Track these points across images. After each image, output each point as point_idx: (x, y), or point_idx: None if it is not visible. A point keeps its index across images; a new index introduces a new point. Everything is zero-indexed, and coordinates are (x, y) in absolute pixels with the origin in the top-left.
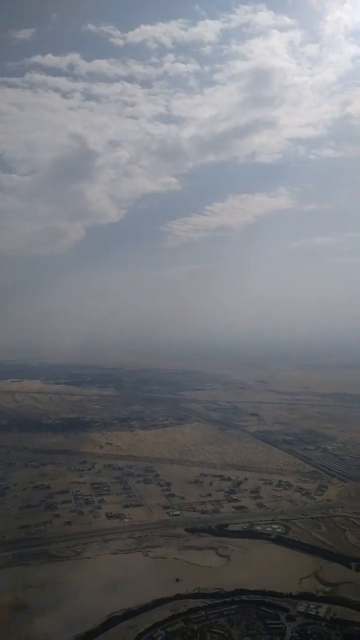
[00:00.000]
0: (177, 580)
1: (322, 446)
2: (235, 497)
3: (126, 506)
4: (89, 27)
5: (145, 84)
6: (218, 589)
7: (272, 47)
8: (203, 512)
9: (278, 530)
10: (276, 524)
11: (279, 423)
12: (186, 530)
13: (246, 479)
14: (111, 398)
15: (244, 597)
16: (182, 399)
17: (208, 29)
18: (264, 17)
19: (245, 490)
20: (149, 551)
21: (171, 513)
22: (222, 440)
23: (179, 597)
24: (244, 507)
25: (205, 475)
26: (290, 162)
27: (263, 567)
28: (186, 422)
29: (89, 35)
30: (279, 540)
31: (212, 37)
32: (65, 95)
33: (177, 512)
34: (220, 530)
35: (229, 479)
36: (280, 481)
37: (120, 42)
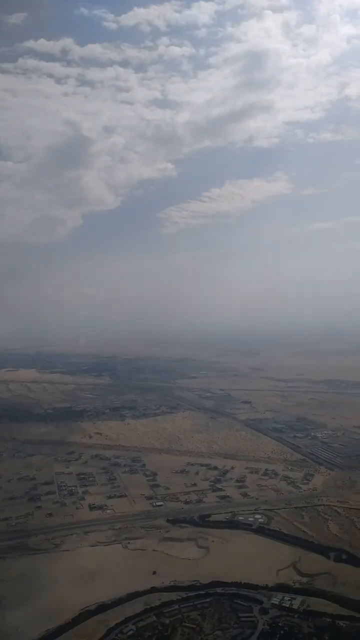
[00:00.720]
0: (154, 573)
1: (312, 434)
2: (220, 487)
3: (110, 497)
4: (82, 11)
5: (140, 68)
6: (194, 581)
7: (267, 29)
8: (187, 502)
9: (260, 520)
10: (259, 513)
11: (271, 410)
12: (168, 521)
13: (233, 467)
14: (105, 387)
15: (219, 590)
16: (176, 387)
17: (202, 11)
18: None
19: (231, 479)
20: (129, 543)
21: (154, 504)
22: (212, 428)
23: (153, 590)
24: (228, 496)
25: (192, 464)
26: (288, 146)
27: (242, 558)
28: (178, 411)
29: (82, 19)
30: (260, 530)
31: (207, 20)
32: (59, 80)
33: (160, 503)
34: (202, 521)
35: (215, 468)
36: (266, 470)
37: (114, 26)
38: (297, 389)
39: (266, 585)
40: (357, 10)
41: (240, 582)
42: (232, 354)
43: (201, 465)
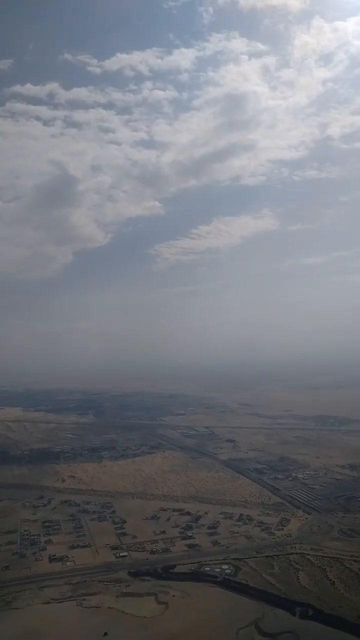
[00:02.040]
0: (105, 634)
1: (293, 474)
2: (191, 534)
3: (72, 547)
4: (66, 57)
5: (125, 110)
6: None
7: (246, 73)
8: (152, 552)
9: (227, 571)
10: (227, 563)
11: (254, 450)
12: (129, 573)
13: (207, 513)
14: (87, 426)
15: None
16: (160, 425)
17: (183, 57)
18: (237, 44)
19: (203, 525)
20: (84, 599)
21: (118, 554)
22: (191, 469)
23: None
24: (197, 545)
25: (164, 509)
26: (275, 183)
27: (201, 615)
28: (158, 451)
29: (66, 64)
30: (225, 583)
31: (188, 65)
32: (46, 123)
33: (125, 553)
34: (166, 573)
35: (188, 514)
36: (241, 515)
37: (98, 70)
38: (284, 426)
39: None
40: (329, 55)
41: None
42: (223, 389)
43: (174, 510)
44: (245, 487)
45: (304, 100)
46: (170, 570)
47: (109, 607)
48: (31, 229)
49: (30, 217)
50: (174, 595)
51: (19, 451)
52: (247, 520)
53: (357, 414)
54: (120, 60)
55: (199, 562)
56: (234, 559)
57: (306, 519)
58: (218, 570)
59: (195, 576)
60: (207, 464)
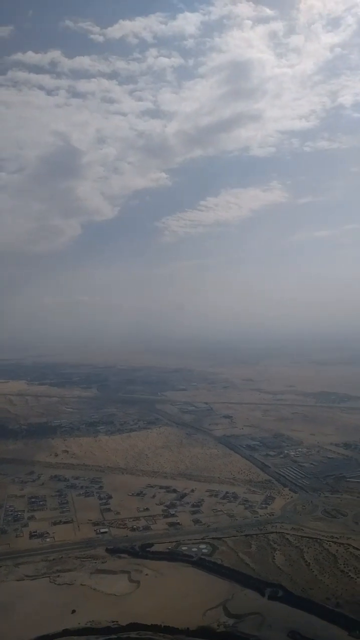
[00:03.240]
0: (73, 611)
1: (285, 451)
2: (173, 512)
3: (55, 523)
4: (67, 24)
5: (130, 79)
6: (113, 622)
7: (250, 39)
8: (133, 529)
9: (204, 550)
10: (205, 543)
11: (250, 426)
12: (107, 550)
13: (193, 490)
14: (89, 400)
15: (133, 635)
16: (161, 400)
17: (188, 22)
18: (243, 8)
19: (187, 503)
20: (58, 576)
21: (98, 531)
22: (185, 445)
23: (66, 633)
24: (178, 523)
25: (151, 486)
26: (284, 155)
27: (172, 595)
28: (155, 426)
29: (67, 32)
30: (200, 563)
31: (193, 30)
32: (50, 92)
33: (105, 530)
34: (142, 551)
35: (174, 491)
36: (227, 493)
37: (101, 39)
38: (284, 402)
39: (187, 629)
40: (337, 19)
41: (160, 625)
42: (228, 363)
43: (161, 487)
44: (236, 464)
45: (312, 67)
46: (147, 549)
47: (81, 584)
48: (37, 201)
49: (35, 189)
50: (147, 574)
51: (17, 425)
52: (232, 498)
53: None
54: (123, 28)
55: (177, 541)
56: (212, 538)
57: (291, 497)
58: (195, 549)
59: (171, 555)
60: (201, 440)
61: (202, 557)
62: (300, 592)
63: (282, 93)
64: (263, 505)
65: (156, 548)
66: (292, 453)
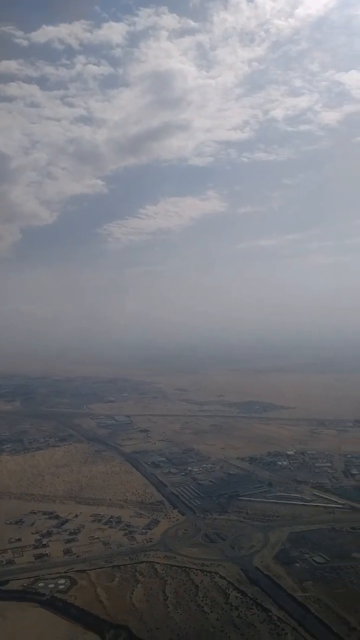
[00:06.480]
0: None
1: (189, 468)
2: (46, 542)
3: None
4: None
5: (60, 85)
6: None
7: (174, 50)
8: None
9: (60, 586)
10: (65, 577)
11: (164, 440)
12: None
13: (77, 515)
14: (6, 415)
15: None
16: (82, 413)
17: (114, 31)
18: (168, 20)
19: (66, 531)
20: None
21: None
22: (88, 463)
23: None
24: (46, 555)
25: (34, 512)
26: (223, 165)
27: None
28: (65, 443)
29: None
30: (49, 602)
31: (120, 40)
32: None
33: None
34: None
35: (57, 517)
36: (111, 517)
37: (25, 43)
38: (207, 413)
39: None
40: (251, 34)
41: None
42: (167, 372)
43: (44, 513)
44: (132, 484)
45: (232, 80)
46: (1, 587)
47: None
48: None
49: None
50: None
51: None
52: (114, 524)
53: (285, 399)
54: (47, 33)
55: (36, 576)
56: (77, 570)
57: (177, 520)
58: (52, 585)
59: (22, 594)
60: (108, 458)
61: (56, 594)
62: (145, 633)
63: (206, 104)
64: (144, 531)
65: (11, 585)
66: (195, 469)
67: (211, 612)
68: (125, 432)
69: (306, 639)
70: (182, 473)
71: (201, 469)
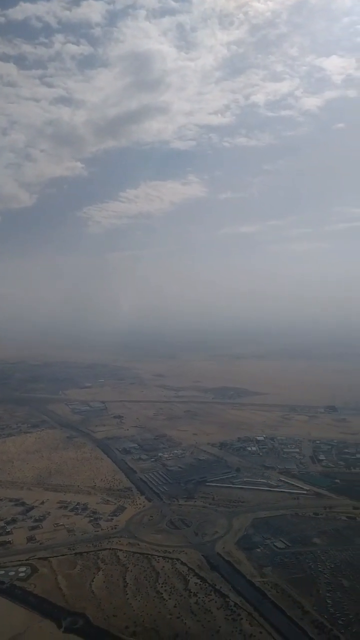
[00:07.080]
0: None
1: (159, 454)
2: (10, 529)
3: None
4: None
5: (38, 64)
6: None
7: (153, 30)
8: None
9: (21, 574)
10: (26, 565)
11: (137, 426)
12: None
13: (43, 502)
14: None
15: None
16: (57, 399)
17: (93, 10)
18: None
19: (31, 518)
20: None
21: None
22: (59, 449)
23: None
24: (9, 542)
25: (1, 499)
26: (204, 149)
27: None
28: (37, 429)
29: None
30: (8, 590)
31: (99, 19)
32: None
33: None
34: None
35: (23, 504)
36: (78, 504)
37: (2, 19)
38: (182, 399)
39: None
40: (229, 16)
41: None
42: (147, 358)
43: (10, 500)
44: (102, 470)
45: (211, 62)
46: None
47: None
48: None
49: None
50: None
51: None
52: (80, 510)
53: (259, 385)
54: (25, 10)
55: None
56: (39, 558)
57: (144, 507)
58: (12, 573)
59: None
60: (79, 444)
61: (15, 582)
62: (102, 620)
63: (185, 86)
64: (109, 518)
65: None
66: (166, 455)
67: (169, 598)
68: (99, 418)
69: (261, 623)
70: (153, 459)
71: (171, 455)
